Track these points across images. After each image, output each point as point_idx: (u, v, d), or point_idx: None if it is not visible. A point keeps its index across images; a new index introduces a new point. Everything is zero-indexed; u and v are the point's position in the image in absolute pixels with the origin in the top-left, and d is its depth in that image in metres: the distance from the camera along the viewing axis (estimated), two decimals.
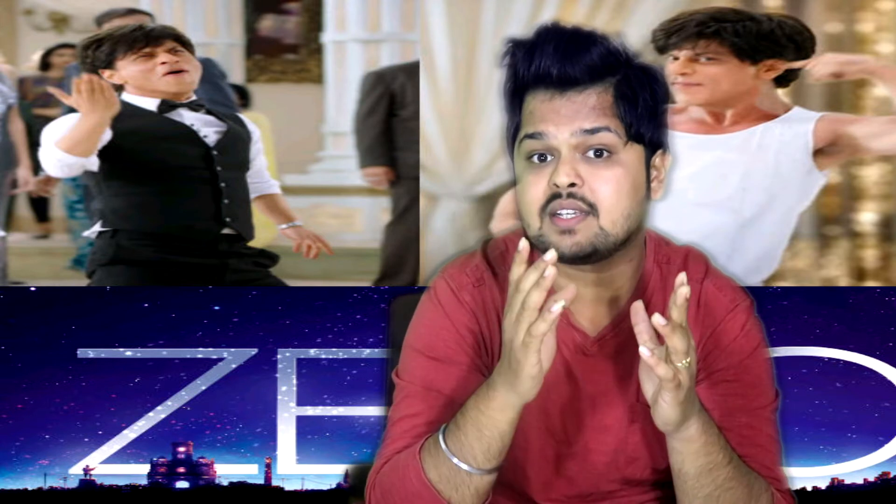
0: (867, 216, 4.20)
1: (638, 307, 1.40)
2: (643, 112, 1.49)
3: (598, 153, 1.47)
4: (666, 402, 1.41)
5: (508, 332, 1.41)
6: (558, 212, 1.47)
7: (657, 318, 1.36)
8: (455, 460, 1.46)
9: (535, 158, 1.49)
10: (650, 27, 2.63)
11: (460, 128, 4.35)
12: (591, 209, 1.46)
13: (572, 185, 1.45)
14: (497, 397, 1.44)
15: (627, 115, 1.48)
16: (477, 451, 1.46)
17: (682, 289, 1.38)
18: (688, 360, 1.39)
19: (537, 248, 1.48)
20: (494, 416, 1.44)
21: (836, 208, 4.21)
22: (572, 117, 1.47)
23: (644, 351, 1.38)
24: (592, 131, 1.47)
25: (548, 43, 1.47)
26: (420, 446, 1.51)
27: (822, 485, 3.06)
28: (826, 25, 4.10)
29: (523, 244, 1.42)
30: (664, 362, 1.38)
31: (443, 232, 4.52)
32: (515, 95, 1.52)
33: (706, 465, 1.48)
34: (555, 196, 1.46)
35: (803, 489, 3.00)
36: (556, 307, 1.36)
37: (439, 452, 1.47)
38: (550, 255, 1.38)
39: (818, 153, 2.57)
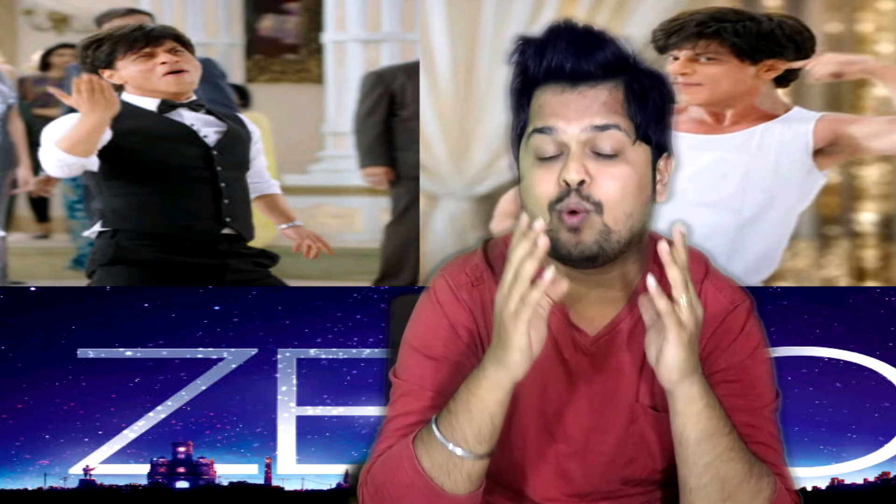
0: (867, 216, 4.20)
1: (651, 280, 1.43)
2: (652, 113, 1.50)
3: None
4: (670, 342, 1.42)
5: (499, 303, 1.42)
6: (566, 210, 1.47)
7: (650, 280, 1.41)
8: (447, 444, 1.47)
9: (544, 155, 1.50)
10: (650, 27, 2.63)
11: (460, 128, 4.35)
12: (597, 207, 1.47)
13: (581, 182, 1.46)
14: (487, 377, 1.45)
15: (637, 114, 1.49)
16: (468, 434, 1.46)
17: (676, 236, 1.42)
18: (686, 296, 1.41)
19: None
20: (484, 395, 1.45)
21: (836, 208, 4.21)
22: (583, 112, 1.47)
23: (650, 279, 1.41)
24: (602, 128, 1.47)
25: (561, 39, 1.48)
26: (413, 436, 1.51)
27: (822, 485, 3.07)
28: (826, 25, 4.10)
29: (524, 217, 1.43)
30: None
31: (443, 232, 4.51)
32: (523, 92, 1.52)
33: (707, 430, 1.47)
34: (564, 192, 1.47)
35: (803, 489, 3.00)
36: (548, 274, 1.38)
37: (432, 439, 1.48)
38: (538, 223, 1.41)
39: (818, 153, 2.57)
